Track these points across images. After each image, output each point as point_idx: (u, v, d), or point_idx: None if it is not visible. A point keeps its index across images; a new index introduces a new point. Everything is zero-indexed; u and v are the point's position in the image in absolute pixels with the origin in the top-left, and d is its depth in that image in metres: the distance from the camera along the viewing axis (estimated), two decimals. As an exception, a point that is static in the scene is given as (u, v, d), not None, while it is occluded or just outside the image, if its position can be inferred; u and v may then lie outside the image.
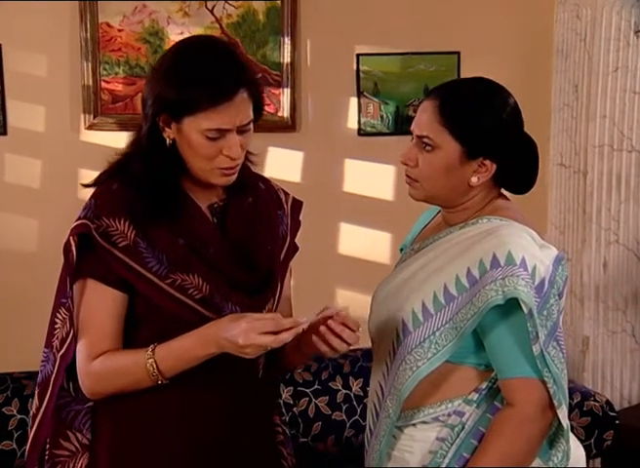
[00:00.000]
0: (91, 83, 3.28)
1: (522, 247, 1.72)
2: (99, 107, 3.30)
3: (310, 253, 3.55)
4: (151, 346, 1.66)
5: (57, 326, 1.71)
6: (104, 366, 1.68)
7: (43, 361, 1.74)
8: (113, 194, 1.70)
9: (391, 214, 3.46)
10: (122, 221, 1.67)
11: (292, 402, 3.02)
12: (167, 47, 3.30)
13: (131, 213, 1.68)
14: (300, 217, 1.93)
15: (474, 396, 1.78)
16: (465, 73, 3.51)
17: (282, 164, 3.47)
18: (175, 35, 3.31)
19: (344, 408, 3.03)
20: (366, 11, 3.48)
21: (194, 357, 1.65)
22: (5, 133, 3.27)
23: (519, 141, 1.82)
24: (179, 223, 1.71)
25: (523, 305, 1.66)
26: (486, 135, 1.78)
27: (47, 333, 1.74)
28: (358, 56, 3.48)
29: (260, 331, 1.56)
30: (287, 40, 3.40)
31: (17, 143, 3.29)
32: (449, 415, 1.78)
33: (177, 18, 3.33)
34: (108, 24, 3.29)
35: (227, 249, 1.74)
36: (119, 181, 1.71)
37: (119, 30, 3.30)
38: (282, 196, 1.91)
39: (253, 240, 1.78)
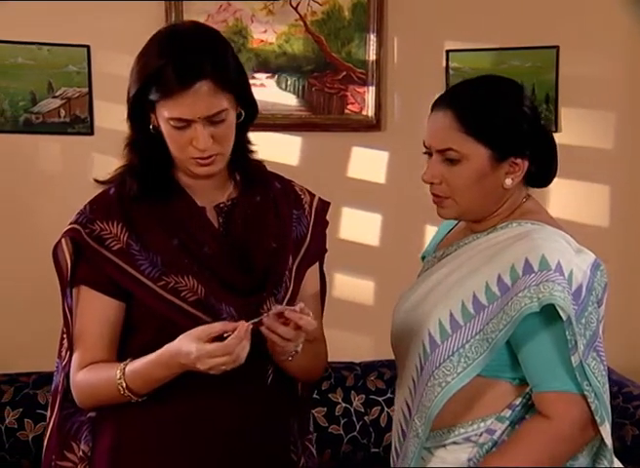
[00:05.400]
0: (175, 83, 3.29)
1: (557, 250, 1.60)
2: (182, 107, 3.30)
3: (395, 255, 3.50)
4: (122, 365, 1.62)
5: (63, 334, 1.72)
6: (84, 379, 1.66)
7: (55, 370, 1.74)
8: (109, 198, 1.69)
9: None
10: (116, 224, 1.66)
11: (363, 410, 2.93)
12: (250, 45, 3.29)
13: (125, 215, 1.66)
14: (328, 217, 1.86)
15: (507, 413, 1.66)
16: (565, 70, 3.34)
17: (366, 164, 3.43)
18: (258, 33, 3.32)
19: (417, 418, 2.89)
20: (455, 4, 3.36)
21: (160, 378, 1.60)
22: (92, 133, 3.33)
23: (542, 134, 1.72)
24: (173, 223, 1.67)
25: (561, 312, 1.54)
26: (512, 132, 1.67)
27: (59, 343, 1.74)
28: (448, 52, 3.37)
29: (210, 357, 1.50)
30: (373, 37, 3.33)
31: (103, 143, 3.31)
32: (480, 435, 1.67)
33: (261, 16, 3.31)
34: (193, 24, 3.29)
35: (224, 248, 1.69)
36: (117, 185, 1.71)
37: (204, 29, 3.30)
38: (303, 196, 1.84)
39: (254, 239, 1.72)
